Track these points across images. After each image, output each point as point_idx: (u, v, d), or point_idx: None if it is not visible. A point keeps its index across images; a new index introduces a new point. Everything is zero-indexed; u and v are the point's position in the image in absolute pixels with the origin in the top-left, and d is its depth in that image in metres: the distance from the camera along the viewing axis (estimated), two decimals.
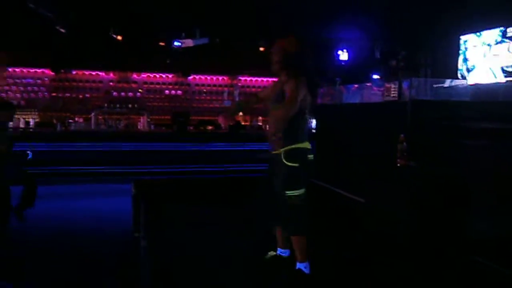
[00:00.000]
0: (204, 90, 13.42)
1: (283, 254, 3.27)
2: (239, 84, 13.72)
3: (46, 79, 12.17)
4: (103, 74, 12.53)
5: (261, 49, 10.28)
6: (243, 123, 11.71)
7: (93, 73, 12.47)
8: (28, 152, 5.40)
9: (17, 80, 11.96)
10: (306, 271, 3.00)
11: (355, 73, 11.08)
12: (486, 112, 3.92)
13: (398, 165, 3.96)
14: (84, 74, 12.45)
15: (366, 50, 10.24)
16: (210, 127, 10.17)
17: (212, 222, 4.54)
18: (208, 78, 13.44)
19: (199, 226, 4.40)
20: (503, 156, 3.56)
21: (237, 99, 13.48)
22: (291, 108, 2.84)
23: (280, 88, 3.01)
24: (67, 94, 12.17)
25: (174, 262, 3.42)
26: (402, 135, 3.92)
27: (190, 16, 8.22)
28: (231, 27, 8.91)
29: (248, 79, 13.82)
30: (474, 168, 3.78)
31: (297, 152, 2.93)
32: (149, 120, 9.96)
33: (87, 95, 12.33)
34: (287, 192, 2.93)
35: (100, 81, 12.56)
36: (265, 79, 13.68)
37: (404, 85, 4.48)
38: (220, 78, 13.57)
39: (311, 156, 3.03)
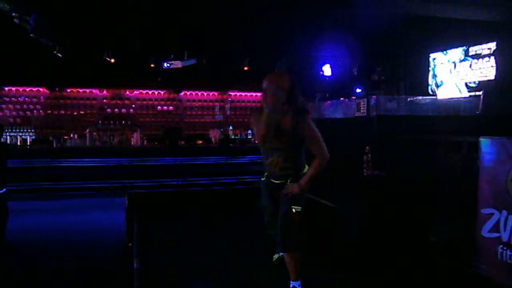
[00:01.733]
0: (196, 105, 13.87)
1: (297, 286, 3.39)
2: (230, 99, 14.19)
3: (41, 97, 12.56)
4: (97, 91, 12.94)
5: (246, 68, 10.77)
6: (232, 137, 12.12)
7: (87, 90, 12.88)
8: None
9: (13, 99, 12.33)
10: (298, 286, 3.20)
11: (339, 87, 11.59)
12: (441, 125, 4.40)
13: (365, 174, 4.41)
14: (78, 91, 12.85)
15: (347, 66, 10.77)
16: (200, 142, 10.54)
17: (204, 232, 4.97)
18: (199, 93, 13.89)
19: (191, 237, 4.83)
20: (455, 166, 4.02)
21: (228, 113, 13.96)
22: (323, 148, 3.16)
23: (275, 120, 3.12)
24: (62, 112, 12.56)
25: (167, 270, 3.83)
26: (367, 147, 4.39)
27: (178, 39, 8.75)
28: (217, 49, 9.45)
29: (238, 94, 14.29)
30: (431, 176, 4.24)
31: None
32: (142, 135, 10.33)
33: (82, 112, 12.73)
34: (293, 206, 3.17)
35: (94, 98, 12.96)
36: (254, 94, 14.18)
37: (372, 101, 4.94)
38: (211, 93, 14.03)
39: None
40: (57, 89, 12.59)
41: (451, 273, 3.69)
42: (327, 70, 10.94)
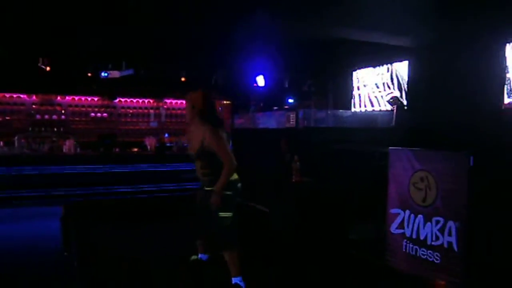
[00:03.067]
0: (130, 112, 13.76)
1: (203, 258, 4.15)
2: (165, 106, 14.25)
3: None
4: (25, 96, 12.41)
5: (183, 79, 11.02)
6: (168, 144, 12.21)
7: (14, 95, 12.32)
8: None
9: None
10: (242, 284, 3.58)
11: (273, 97, 12.19)
12: (360, 136, 5.01)
13: (294, 180, 4.89)
14: (4, 96, 12.25)
15: (279, 78, 11.40)
16: (135, 149, 10.56)
17: (138, 239, 5.15)
18: (134, 100, 13.79)
19: (126, 243, 4.99)
20: (368, 173, 4.61)
21: (163, 120, 13.99)
22: (228, 156, 3.51)
23: (191, 132, 3.75)
24: None
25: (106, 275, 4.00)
26: (296, 156, 4.87)
27: (117, 49, 8.81)
28: (154, 60, 9.63)
29: (174, 101, 14.39)
30: (351, 182, 4.81)
31: (229, 183, 3.57)
32: (75, 143, 10.14)
33: (7, 118, 12.14)
34: (220, 213, 3.55)
35: (22, 104, 12.41)
36: None
37: (300, 114, 5.45)
38: (146, 100, 13.97)
39: (239, 185, 3.71)
40: None
41: (365, 265, 4.25)
42: (260, 81, 11.46)
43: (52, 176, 8.84)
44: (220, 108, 14.98)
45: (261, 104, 12.39)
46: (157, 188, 9.32)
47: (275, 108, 10.50)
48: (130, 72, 9.62)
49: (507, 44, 5.76)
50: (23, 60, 9.10)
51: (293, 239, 4.66)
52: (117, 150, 10.27)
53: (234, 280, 3.60)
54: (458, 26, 5.90)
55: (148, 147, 10.96)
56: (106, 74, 9.56)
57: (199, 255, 4.14)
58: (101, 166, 9.57)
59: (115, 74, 9.47)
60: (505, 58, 5.75)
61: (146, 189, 9.22)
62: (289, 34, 7.07)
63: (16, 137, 10.04)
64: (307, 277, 4.03)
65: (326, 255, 4.44)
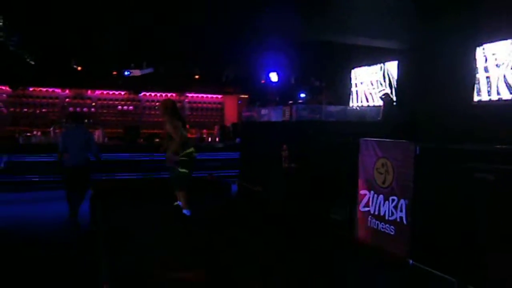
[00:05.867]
0: (154, 105, 14.77)
1: (180, 204, 6.09)
2: (187, 100, 15.20)
3: (4, 95, 13.09)
4: (59, 90, 13.59)
5: (196, 77, 11.92)
6: (189, 136, 13.12)
7: (50, 89, 13.51)
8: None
9: None
10: (188, 213, 5.82)
11: (285, 92, 12.93)
12: (348, 129, 5.72)
13: (283, 166, 5.67)
14: (40, 90, 13.45)
15: (291, 74, 12.13)
16: (157, 140, 11.48)
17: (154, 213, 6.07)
18: (158, 94, 14.81)
19: (144, 217, 5.89)
20: (348, 163, 5.30)
21: (186, 113, 14.95)
22: (178, 143, 5.67)
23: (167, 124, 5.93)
24: (25, 110, 13.14)
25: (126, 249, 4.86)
26: (284, 145, 5.64)
27: (138, 50, 9.81)
28: (172, 59, 10.58)
29: (195, 95, 15.33)
30: (334, 168, 5.53)
31: (186, 154, 5.77)
32: (103, 133, 11.19)
33: (44, 110, 13.35)
34: (180, 169, 5.78)
35: (56, 97, 13.60)
36: (209, 96, 15.29)
37: (294, 108, 6.19)
38: (169, 94, 14.97)
39: (194, 155, 5.77)
40: (19, 87, 13.10)
41: (340, 239, 4.99)
42: (274, 76, 12.19)
43: None
44: (239, 101, 15.87)
45: (277, 99, 13.14)
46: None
47: (290, 102, 11.23)
48: (150, 70, 10.63)
49: (477, 48, 6.32)
50: (58, 60, 10.20)
51: (281, 216, 5.46)
52: (141, 140, 11.21)
53: (184, 211, 5.86)
54: (436, 31, 6.49)
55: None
56: (128, 73, 10.62)
57: (178, 202, 6.11)
58: (127, 154, 10.55)
59: (136, 72, 10.51)
60: (475, 60, 6.32)
61: (166, 176, 10.10)
62: (294, 36, 7.77)
63: (51, 128, 11.16)
64: (291, 245, 4.82)
65: (309, 230, 5.21)
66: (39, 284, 4.12)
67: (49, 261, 4.68)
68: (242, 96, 15.64)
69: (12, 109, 13.03)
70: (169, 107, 6.01)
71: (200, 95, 15.28)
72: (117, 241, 5.01)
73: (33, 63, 9.59)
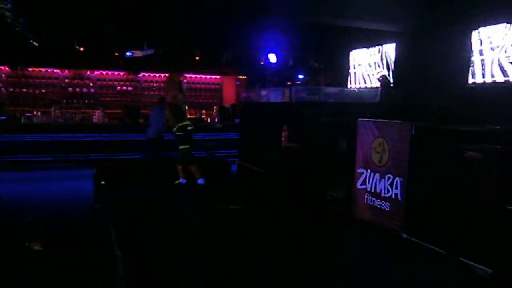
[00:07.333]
0: (153, 86, 14.85)
1: (182, 181, 6.50)
2: (185, 80, 15.26)
3: (3, 75, 13.12)
4: (58, 71, 13.63)
5: (197, 58, 11.99)
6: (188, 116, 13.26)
7: (49, 70, 13.54)
8: None
9: None
10: (202, 182, 6.32)
11: (284, 73, 13.04)
12: (345, 109, 5.88)
13: (283, 145, 5.85)
14: (40, 71, 13.48)
15: (290, 56, 12.21)
16: None
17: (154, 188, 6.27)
18: (157, 75, 14.87)
19: (144, 193, 6.08)
20: (346, 142, 5.49)
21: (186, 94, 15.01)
22: (171, 117, 6.29)
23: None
24: (24, 90, 13.19)
25: (131, 222, 5.04)
26: (285, 125, 5.81)
27: (139, 31, 9.88)
28: (172, 40, 10.65)
29: (194, 76, 15.39)
30: (331, 148, 5.71)
31: (182, 128, 6.25)
32: (103, 113, 11.31)
33: (43, 91, 13.40)
34: (180, 146, 6.28)
35: (56, 78, 13.65)
36: (208, 76, 15.36)
37: (293, 90, 6.33)
38: (168, 75, 15.01)
39: (189, 128, 6.36)
40: (19, 68, 13.13)
41: (337, 215, 5.21)
42: (272, 58, 12.27)
43: (83, 142, 10.05)
44: (237, 82, 15.94)
45: (276, 79, 13.25)
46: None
47: (288, 83, 11.35)
48: (151, 51, 10.73)
49: (473, 31, 6.46)
50: (59, 40, 10.25)
51: (281, 193, 5.66)
52: (141, 120, 11.35)
53: (198, 181, 6.35)
54: (434, 14, 6.60)
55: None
56: (130, 54, 10.73)
57: (180, 180, 6.54)
58: (127, 135, 10.70)
59: (138, 53, 10.64)
60: (471, 43, 6.46)
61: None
62: (293, 18, 7.86)
63: (52, 108, 11.27)
64: (291, 222, 5.03)
65: (307, 207, 5.42)
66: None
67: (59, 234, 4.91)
68: (241, 77, 15.72)
69: (11, 89, 13.10)
70: (176, 81, 6.54)
71: (199, 76, 15.34)
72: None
73: (36, 44, 9.64)
